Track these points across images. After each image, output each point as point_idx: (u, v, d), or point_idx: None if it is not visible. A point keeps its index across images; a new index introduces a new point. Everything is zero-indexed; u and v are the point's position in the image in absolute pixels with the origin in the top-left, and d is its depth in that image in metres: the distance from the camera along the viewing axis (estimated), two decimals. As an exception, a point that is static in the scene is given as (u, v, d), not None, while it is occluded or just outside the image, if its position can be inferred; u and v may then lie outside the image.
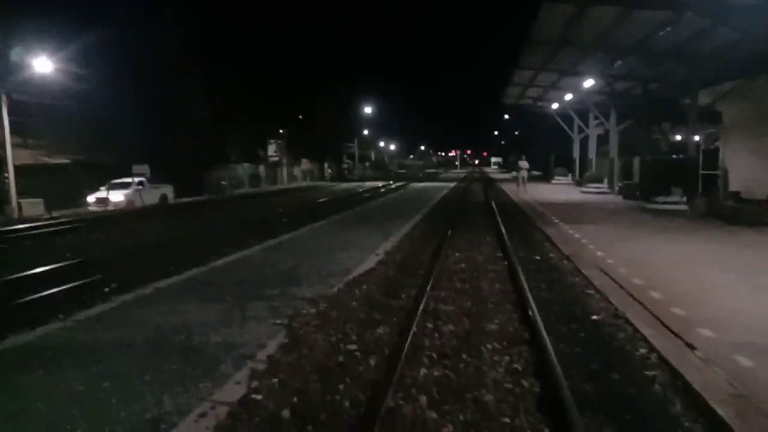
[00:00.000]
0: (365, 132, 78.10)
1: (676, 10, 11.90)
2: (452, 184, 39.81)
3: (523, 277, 7.52)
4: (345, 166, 67.15)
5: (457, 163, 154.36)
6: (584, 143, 34.47)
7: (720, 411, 3.58)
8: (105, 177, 24.27)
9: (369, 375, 4.37)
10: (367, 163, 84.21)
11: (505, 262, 9.04)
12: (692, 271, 7.93)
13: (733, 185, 18.80)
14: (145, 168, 28.21)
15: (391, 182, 46.60)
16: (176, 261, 10.07)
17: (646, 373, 4.43)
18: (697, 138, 17.19)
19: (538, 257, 9.70)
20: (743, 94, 17.94)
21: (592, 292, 7.07)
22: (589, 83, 23.07)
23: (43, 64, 21.31)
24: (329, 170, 61.21)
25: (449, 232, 12.24)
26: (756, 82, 16.34)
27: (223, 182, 35.07)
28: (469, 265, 8.91)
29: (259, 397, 3.92)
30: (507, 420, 3.67)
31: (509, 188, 30.82)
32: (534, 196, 23.81)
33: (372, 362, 4.63)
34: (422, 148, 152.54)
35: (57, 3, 25.66)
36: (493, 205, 19.06)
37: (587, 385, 4.22)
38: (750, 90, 17.38)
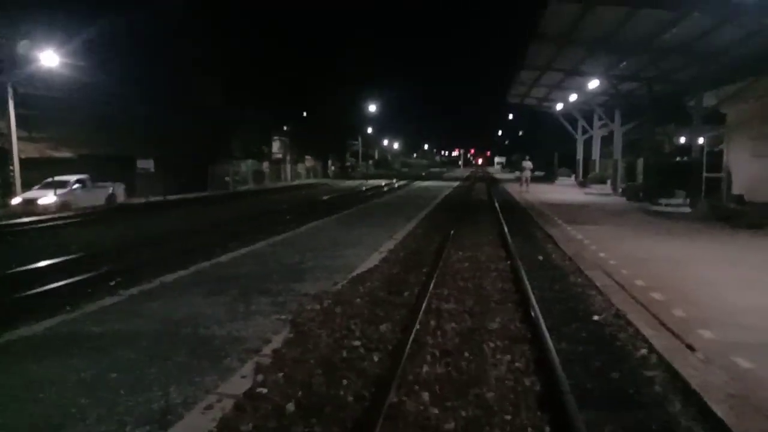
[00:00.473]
0: (369, 130, 78.18)
1: (683, 9, 11.91)
2: (455, 184, 39.86)
3: (525, 277, 7.58)
4: (348, 163, 67.24)
5: (460, 162, 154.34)
6: (588, 144, 34.50)
7: (718, 411, 3.63)
8: (111, 171, 24.31)
9: (373, 370, 4.43)
10: (370, 161, 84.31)
11: (508, 262, 9.09)
12: (693, 272, 7.97)
13: (737, 188, 18.77)
14: (149, 163, 28.31)
15: (394, 180, 46.68)
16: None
17: (646, 373, 4.48)
18: (701, 140, 17.19)
19: (540, 257, 9.75)
20: (747, 95, 17.91)
21: (593, 292, 7.12)
22: (593, 84, 23.06)
23: (49, 58, 21.46)
24: (333, 168, 61.30)
25: (452, 231, 12.29)
26: (759, 83, 16.32)
27: (227, 178, 35.17)
28: (472, 264, 8.96)
29: (265, 390, 3.99)
30: (508, 417, 3.72)
31: (512, 188, 30.85)
32: (537, 197, 23.84)
33: (375, 358, 4.69)
34: (426, 146, 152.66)
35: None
36: (496, 205, 19.11)
37: (588, 384, 4.27)
38: (754, 91, 17.35)
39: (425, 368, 4.52)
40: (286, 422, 3.59)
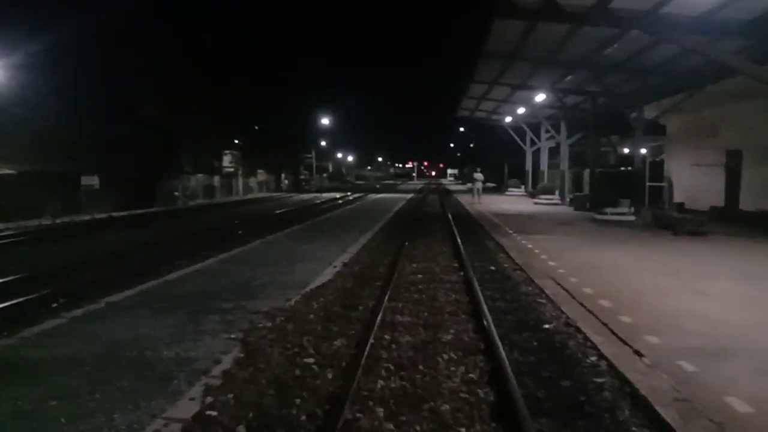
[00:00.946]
0: (323, 143, 77.98)
1: (623, 27, 12.39)
2: (409, 196, 40.11)
3: (478, 288, 7.64)
4: (302, 177, 66.75)
5: (414, 174, 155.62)
6: (536, 155, 35.39)
7: (665, 414, 3.72)
8: (54, 187, 23.37)
9: (326, 388, 4.35)
10: (324, 174, 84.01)
11: (461, 273, 9.17)
12: (638, 279, 8.24)
13: (678, 196, 19.65)
14: (94, 179, 27.43)
15: (348, 193, 46.57)
16: None
17: (596, 380, 4.57)
18: (643, 151, 17.90)
19: (492, 267, 9.88)
20: (685, 107, 18.82)
21: (544, 300, 7.25)
22: (540, 97, 23.71)
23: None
24: (286, 181, 60.71)
25: (406, 243, 12.33)
26: (695, 96, 17.16)
27: (176, 193, 34.32)
28: (426, 276, 8.99)
29: (214, 413, 3.85)
30: (463, 430, 3.71)
31: (465, 199, 31.28)
32: (488, 207, 24.24)
33: (329, 375, 4.61)
34: (380, 159, 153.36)
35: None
36: (449, 216, 19.31)
37: (540, 393, 4.32)
38: (690, 104, 18.25)
39: (380, 383, 4.47)
40: (237, 446, 3.48)
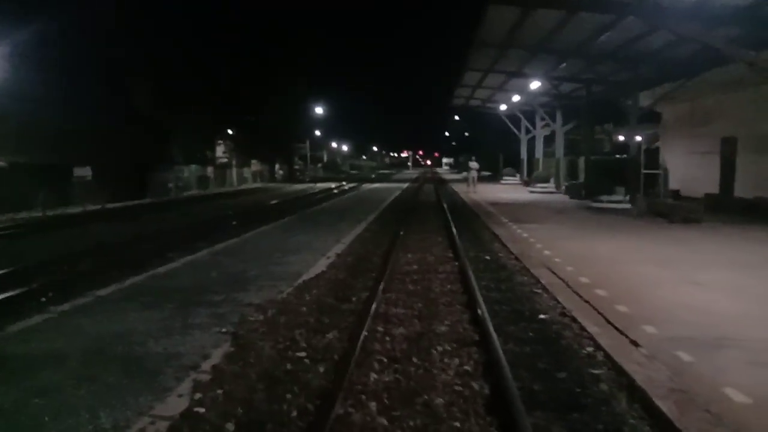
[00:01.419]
0: (317, 133, 77.58)
1: (618, 13, 12.27)
2: (405, 185, 40.00)
3: (473, 277, 7.57)
4: (297, 167, 66.48)
5: (409, 163, 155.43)
6: (532, 143, 35.29)
7: (662, 406, 3.66)
8: (46, 179, 23.17)
9: (318, 382, 4.26)
10: (319, 164, 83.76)
11: (456, 263, 9.08)
12: (634, 268, 8.17)
13: (673, 183, 19.59)
14: (87, 170, 27.19)
15: (343, 183, 46.45)
16: None
17: (593, 371, 4.50)
18: (638, 138, 17.82)
19: (487, 257, 9.80)
20: (680, 95, 18.73)
21: (539, 290, 7.18)
22: (535, 85, 23.57)
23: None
24: (280, 171, 60.46)
25: (401, 232, 12.24)
26: (691, 84, 17.07)
27: (170, 184, 34.10)
28: (421, 266, 8.91)
29: (202, 410, 3.76)
30: (457, 424, 3.64)
31: (460, 188, 31.19)
32: (484, 196, 24.16)
33: (321, 369, 4.52)
34: (375, 148, 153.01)
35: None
36: (445, 206, 19.22)
37: (535, 385, 4.25)
38: (685, 92, 18.15)
39: (373, 376, 4.39)
40: (225, 444, 3.39)
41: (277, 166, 60.04)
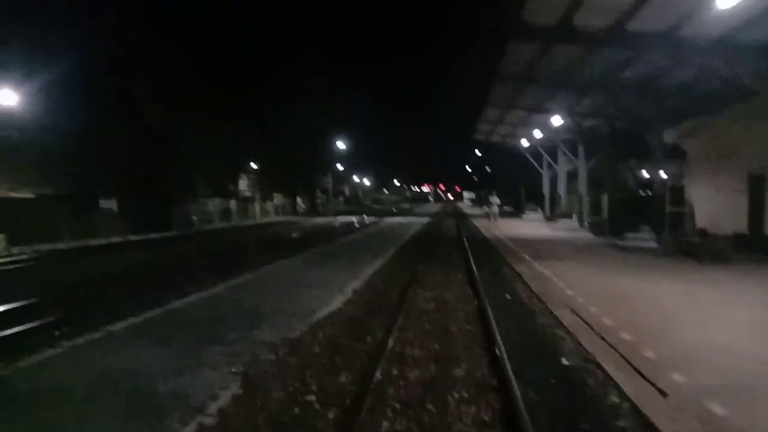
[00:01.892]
0: (339, 166, 78.19)
1: (640, 50, 12.18)
2: (425, 220, 39.79)
3: (492, 318, 7.34)
4: (319, 200, 66.86)
5: (430, 197, 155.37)
6: (554, 179, 34.99)
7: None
8: (71, 210, 23.60)
9: (327, 430, 4.08)
10: (341, 198, 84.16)
11: (475, 302, 8.86)
12: (661, 310, 7.85)
13: (700, 222, 19.08)
14: (112, 203, 27.74)
15: (364, 217, 46.44)
16: None
17: (618, 423, 4.24)
18: (663, 175, 17.50)
19: (508, 296, 9.55)
20: (704, 131, 18.41)
21: (562, 333, 6.91)
22: (557, 120, 23.46)
23: (7, 97, 20.92)
24: (303, 205, 60.84)
25: (420, 268, 12.07)
26: (714, 119, 16.79)
27: (194, 217, 34.47)
28: (439, 305, 8.70)
29: (205, 457, 3.61)
30: (472, 480, 3.42)
31: (481, 224, 30.90)
32: (505, 232, 23.86)
33: (331, 415, 4.35)
34: (396, 182, 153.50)
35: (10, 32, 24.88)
36: (465, 241, 18.99)
37: (557, 438, 4.01)
38: (710, 127, 17.84)
39: (385, 424, 4.20)
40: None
41: (299, 200, 60.46)
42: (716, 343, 6.02)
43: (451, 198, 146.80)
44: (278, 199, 54.59)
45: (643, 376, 5.06)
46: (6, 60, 22.80)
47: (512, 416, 4.23)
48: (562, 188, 32.99)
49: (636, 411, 4.38)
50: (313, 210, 60.51)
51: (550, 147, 33.74)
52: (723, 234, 17.13)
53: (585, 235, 22.72)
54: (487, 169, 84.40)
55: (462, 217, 43.27)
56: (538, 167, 37.59)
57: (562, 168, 32.84)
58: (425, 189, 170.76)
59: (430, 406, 4.55)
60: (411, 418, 4.33)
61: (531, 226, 29.45)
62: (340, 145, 66.57)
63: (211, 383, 4.94)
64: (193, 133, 32.83)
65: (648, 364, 5.36)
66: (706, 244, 14.30)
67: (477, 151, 75.11)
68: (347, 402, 4.62)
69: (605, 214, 22.40)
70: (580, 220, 26.69)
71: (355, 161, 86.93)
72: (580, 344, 6.28)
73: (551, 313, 7.95)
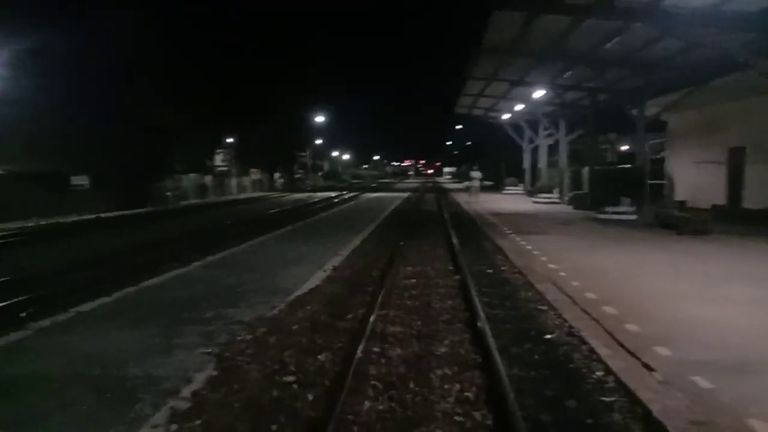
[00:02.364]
0: (318, 142, 77.38)
1: (626, 20, 11.97)
2: (406, 195, 39.65)
3: (474, 293, 7.22)
4: (297, 176, 66.20)
5: (411, 173, 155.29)
6: (535, 153, 34.94)
7: (684, 443, 3.32)
8: (42, 188, 22.94)
9: (306, 412, 3.93)
10: (320, 173, 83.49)
11: (457, 276, 8.74)
12: (644, 283, 7.81)
13: (680, 194, 19.25)
14: (84, 179, 27.03)
15: (344, 192, 46.13)
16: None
17: (604, 399, 4.15)
18: (645, 148, 17.50)
19: (490, 270, 9.45)
20: (687, 104, 18.43)
21: (545, 307, 6.82)
22: (539, 93, 23.27)
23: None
24: (281, 180, 60.18)
25: (401, 244, 11.92)
26: (698, 92, 16.76)
27: (168, 193, 33.85)
28: (420, 281, 8.57)
29: (177, 444, 3.43)
30: (457, 462, 3.30)
31: (462, 198, 30.85)
32: (486, 206, 23.81)
33: (310, 396, 4.18)
34: (376, 157, 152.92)
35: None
36: (446, 216, 18.89)
37: (543, 415, 3.90)
38: (693, 100, 17.85)
39: (366, 404, 4.05)
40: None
41: (277, 175, 59.78)
42: (701, 317, 5.98)
43: (431, 173, 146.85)
44: (255, 174, 53.89)
45: (628, 350, 4.98)
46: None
47: (497, 394, 4.11)
48: (543, 162, 32.97)
49: (622, 385, 4.29)
50: (291, 185, 59.89)
51: (532, 121, 33.58)
52: (702, 206, 17.28)
53: (566, 208, 22.79)
54: (468, 143, 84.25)
55: (442, 192, 43.21)
56: (518, 141, 37.48)
57: (543, 142, 32.77)
58: (406, 164, 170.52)
59: (412, 385, 4.41)
60: (393, 397, 4.19)
61: (512, 200, 29.48)
62: (319, 119, 65.82)
63: (185, 365, 4.75)
64: (168, 107, 32.01)
65: (633, 338, 5.29)
66: (686, 217, 14.36)
67: (458, 126, 74.89)
68: (327, 382, 4.46)
69: (586, 187, 22.44)
70: (561, 194, 26.73)
71: (334, 136, 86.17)
72: (563, 318, 6.20)
73: (534, 287, 7.86)
